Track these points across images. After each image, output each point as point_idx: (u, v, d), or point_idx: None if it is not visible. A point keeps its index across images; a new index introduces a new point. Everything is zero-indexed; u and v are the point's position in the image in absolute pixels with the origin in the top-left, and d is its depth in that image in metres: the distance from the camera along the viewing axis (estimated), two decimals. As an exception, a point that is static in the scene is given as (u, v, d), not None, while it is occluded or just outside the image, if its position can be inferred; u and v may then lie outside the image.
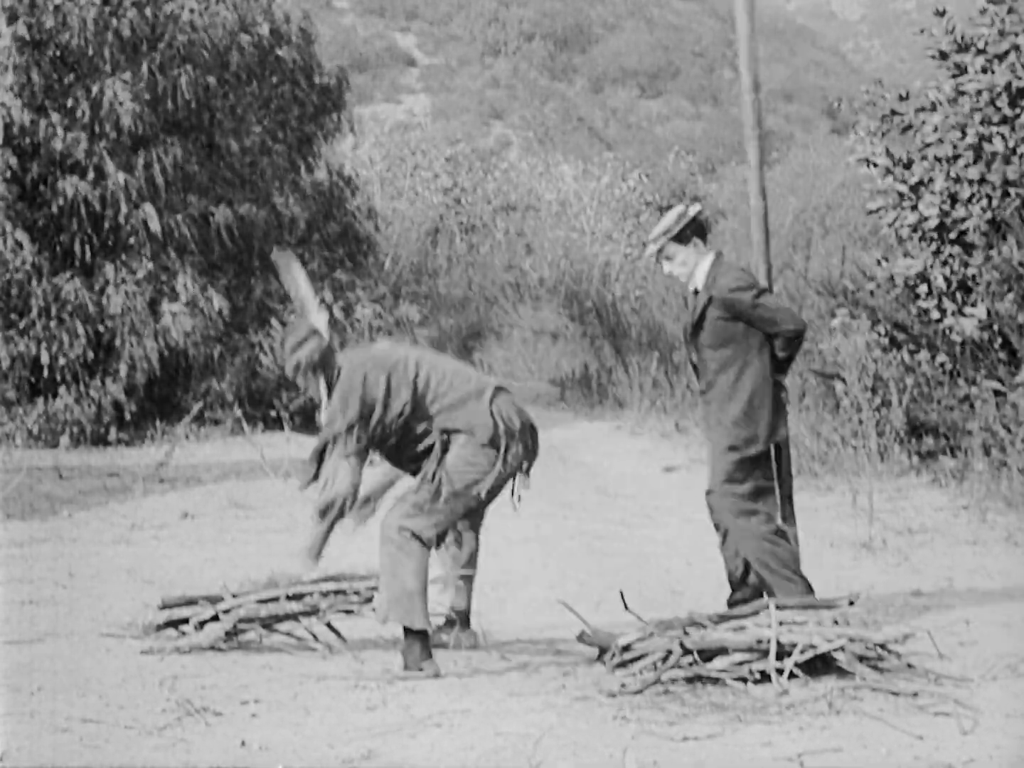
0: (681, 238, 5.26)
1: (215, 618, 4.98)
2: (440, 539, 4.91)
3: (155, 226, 11.31)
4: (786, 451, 5.37)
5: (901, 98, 9.81)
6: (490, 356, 18.02)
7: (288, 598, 5.01)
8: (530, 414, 5.00)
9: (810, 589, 5.07)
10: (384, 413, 4.80)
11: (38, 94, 11.37)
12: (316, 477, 4.88)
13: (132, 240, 11.40)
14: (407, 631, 4.66)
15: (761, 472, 5.16)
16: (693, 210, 5.31)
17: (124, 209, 11.24)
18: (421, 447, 4.88)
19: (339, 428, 4.78)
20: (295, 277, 5.20)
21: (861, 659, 4.48)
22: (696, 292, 5.27)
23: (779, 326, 5.18)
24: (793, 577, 5.06)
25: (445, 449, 4.83)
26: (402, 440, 4.88)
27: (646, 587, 5.92)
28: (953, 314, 9.29)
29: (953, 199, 9.39)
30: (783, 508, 5.33)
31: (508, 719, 4.08)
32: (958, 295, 9.36)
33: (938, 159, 9.39)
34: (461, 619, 5.11)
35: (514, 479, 4.91)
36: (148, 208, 11.34)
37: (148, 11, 11.82)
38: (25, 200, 11.34)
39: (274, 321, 12.18)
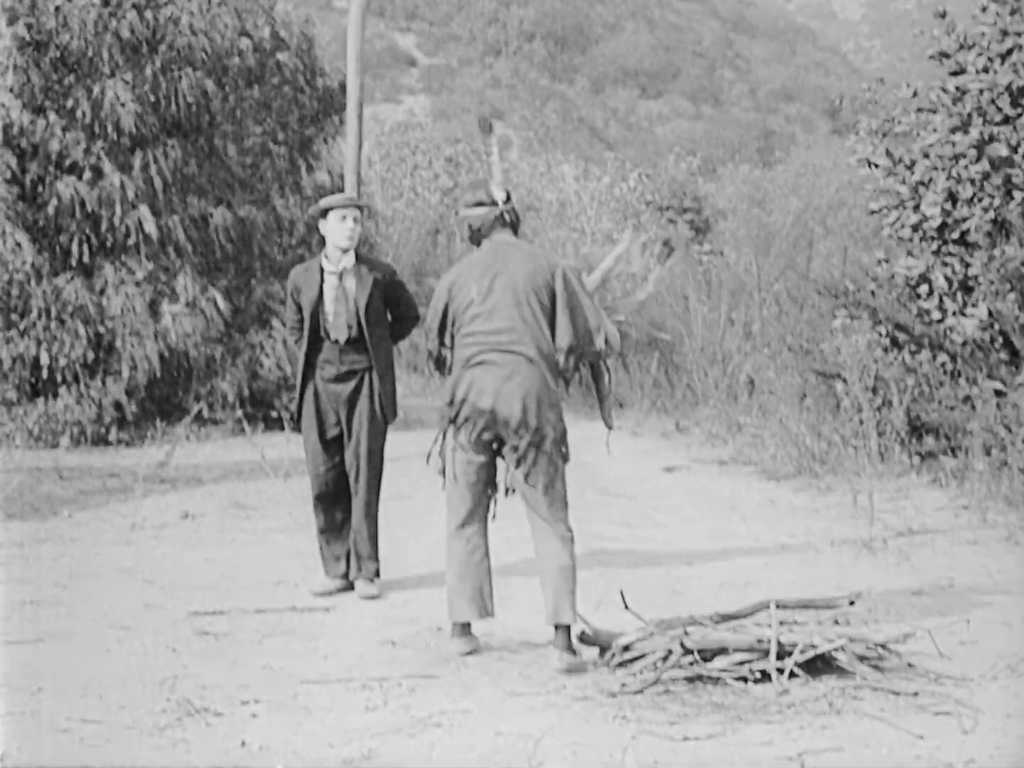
0: (364, 213, 5.97)
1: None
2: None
3: (150, 228, 11.32)
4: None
5: (915, 93, 9.78)
6: (491, 356, 17.99)
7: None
8: (506, 392, 4.70)
9: None
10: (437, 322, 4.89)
11: (37, 95, 11.37)
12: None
13: (131, 241, 11.40)
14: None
15: None
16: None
17: (119, 211, 11.24)
18: None
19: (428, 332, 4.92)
20: (492, 145, 5.14)
21: (862, 659, 4.48)
22: (344, 271, 5.88)
23: (415, 310, 6.12)
24: None
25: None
26: None
27: (646, 587, 5.92)
28: (954, 314, 9.29)
29: (954, 199, 9.39)
30: None
31: (508, 719, 4.08)
32: (959, 295, 9.36)
33: (940, 157, 9.39)
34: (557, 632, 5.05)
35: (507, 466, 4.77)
36: (144, 210, 11.34)
37: (148, 14, 11.83)
38: (24, 201, 11.34)
39: (275, 322, 12.19)
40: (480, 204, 4.93)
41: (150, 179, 11.51)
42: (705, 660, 4.42)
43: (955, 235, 9.43)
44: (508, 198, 4.99)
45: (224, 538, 7.19)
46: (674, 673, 4.37)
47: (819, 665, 4.44)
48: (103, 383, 11.23)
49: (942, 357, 9.26)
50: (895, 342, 9.60)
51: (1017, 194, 9.03)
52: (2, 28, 11.23)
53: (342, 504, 6.01)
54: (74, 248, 11.35)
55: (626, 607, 4.77)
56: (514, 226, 4.99)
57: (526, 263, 4.82)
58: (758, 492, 8.95)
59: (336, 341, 5.92)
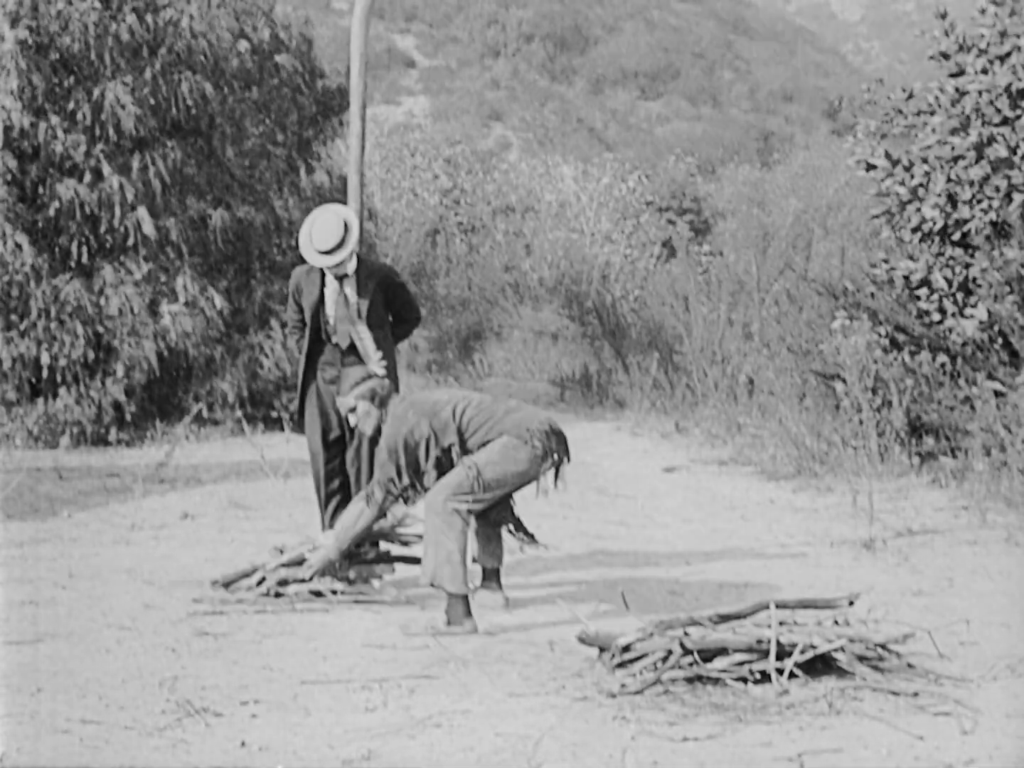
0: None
1: (262, 581, 5.64)
2: (479, 515, 5.49)
3: (149, 229, 11.32)
4: None
5: (910, 96, 9.77)
6: (490, 356, 18.00)
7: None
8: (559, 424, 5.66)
9: None
10: (428, 453, 5.34)
11: (39, 97, 11.37)
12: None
13: (130, 242, 11.40)
14: (450, 593, 5.20)
15: None
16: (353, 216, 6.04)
17: (119, 212, 11.24)
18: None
19: (382, 478, 5.34)
20: (365, 344, 5.95)
21: (861, 659, 4.48)
22: (345, 277, 5.94)
23: (416, 311, 6.22)
24: None
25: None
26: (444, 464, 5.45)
27: (646, 587, 5.92)
28: (954, 315, 9.29)
29: (953, 201, 9.39)
30: None
31: (508, 720, 4.08)
32: (958, 296, 9.36)
33: (939, 159, 9.39)
34: (491, 576, 5.69)
35: (542, 477, 5.55)
36: (142, 211, 11.35)
37: (148, 17, 11.82)
38: (24, 202, 11.35)
39: (275, 322, 12.18)
40: (364, 379, 5.51)
41: (149, 181, 11.52)
42: (705, 661, 4.43)
43: (955, 237, 9.43)
44: (386, 366, 5.92)
45: (224, 538, 7.19)
46: (674, 674, 4.37)
47: (819, 666, 4.45)
48: (103, 383, 11.23)
49: (942, 358, 9.26)
50: (895, 343, 9.60)
51: (1017, 196, 9.03)
52: (4, 31, 11.22)
53: (344, 506, 6.02)
54: (74, 249, 11.35)
55: (626, 607, 4.78)
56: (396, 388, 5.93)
57: None
58: (758, 492, 8.95)
59: (337, 344, 5.94)
